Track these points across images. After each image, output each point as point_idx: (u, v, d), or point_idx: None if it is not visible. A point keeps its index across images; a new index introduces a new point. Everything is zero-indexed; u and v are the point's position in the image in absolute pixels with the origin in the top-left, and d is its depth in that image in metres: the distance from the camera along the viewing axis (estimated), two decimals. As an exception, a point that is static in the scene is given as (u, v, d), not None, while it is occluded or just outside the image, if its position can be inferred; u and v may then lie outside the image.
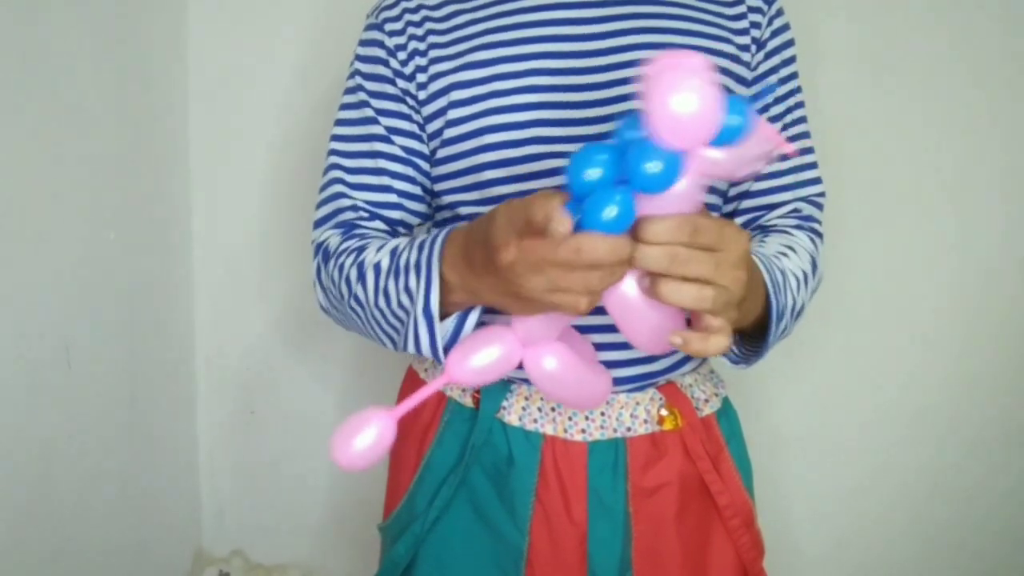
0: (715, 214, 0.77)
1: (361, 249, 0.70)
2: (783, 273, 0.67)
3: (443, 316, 0.63)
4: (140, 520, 1.09)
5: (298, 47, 1.16)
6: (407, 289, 0.63)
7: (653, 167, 0.46)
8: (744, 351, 0.69)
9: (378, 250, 0.68)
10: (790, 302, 0.66)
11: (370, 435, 0.52)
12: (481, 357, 0.55)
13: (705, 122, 0.45)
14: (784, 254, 0.70)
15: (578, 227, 0.48)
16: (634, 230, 0.49)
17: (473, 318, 0.63)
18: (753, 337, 0.69)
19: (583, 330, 0.69)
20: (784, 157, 0.69)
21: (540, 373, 0.57)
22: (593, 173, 0.48)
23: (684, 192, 0.48)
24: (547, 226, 0.48)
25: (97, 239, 0.97)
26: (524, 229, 0.50)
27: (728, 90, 0.74)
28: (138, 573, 1.09)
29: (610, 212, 0.47)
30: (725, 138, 0.47)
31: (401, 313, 0.65)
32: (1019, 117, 1.12)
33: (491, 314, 0.62)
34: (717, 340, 0.52)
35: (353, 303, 0.70)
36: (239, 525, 1.28)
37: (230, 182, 1.19)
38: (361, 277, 0.68)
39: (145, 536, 1.11)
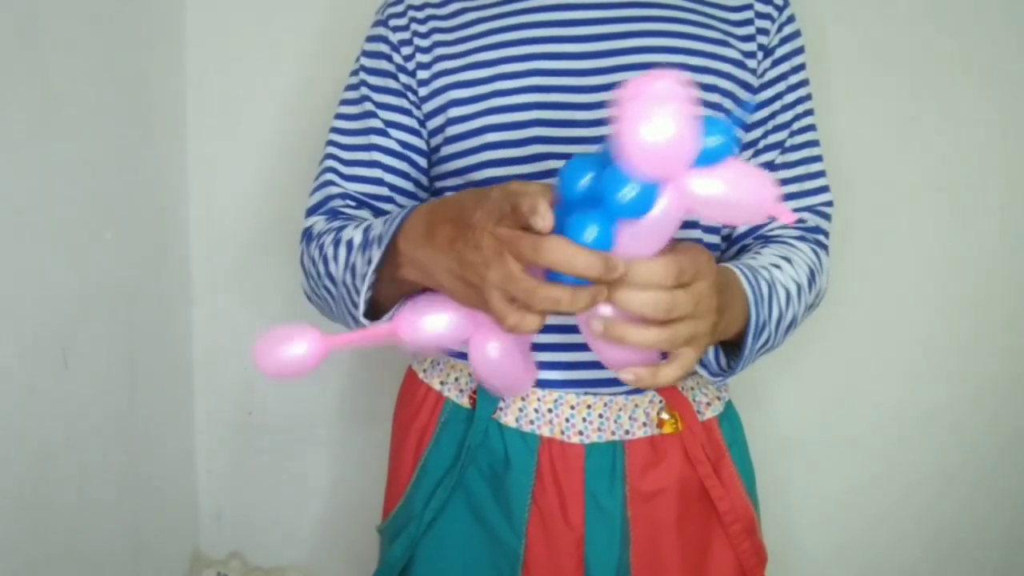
0: (710, 234, 0.76)
1: (341, 228, 0.70)
2: (770, 285, 0.65)
3: (391, 294, 0.63)
4: (137, 522, 1.09)
5: (298, 46, 1.16)
6: (369, 262, 0.62)
7: (626, 195, 0.45)
8: (726, 365, 0.67)
9: (355, 227, 0.68)
10: (775, 314, 0.65)
11: (298, 348, 0.51)
12: (432, 320, 0.54)
13: (677, 151, 0.44)
14: (777, 265, 0.68)
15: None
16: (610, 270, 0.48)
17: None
18: (735, 349, 0.67)
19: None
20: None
21: (481, 356, 0.56)
22: (584, 183, 0.48)
23: (663, 216, 0.47)
24: (529, 217, 0.47)
25: (94, 239, 0.97)
26: (507, 215, 0.49)
27: (721, 106, 0.73)
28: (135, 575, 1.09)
29: (590, 234, 0.46)
30: (705, 160, 0.45)
31: (364, 288, 0.64)
32: (1018, 110, 1.11)
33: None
34: (667, 370, 0.52)
35: (327, 282, 0.69)
36: (237, 527, 1.27)
37: (228, 182, 1.19)
38: (335, 255, 0.68)
39: (142, 538, 1.10)
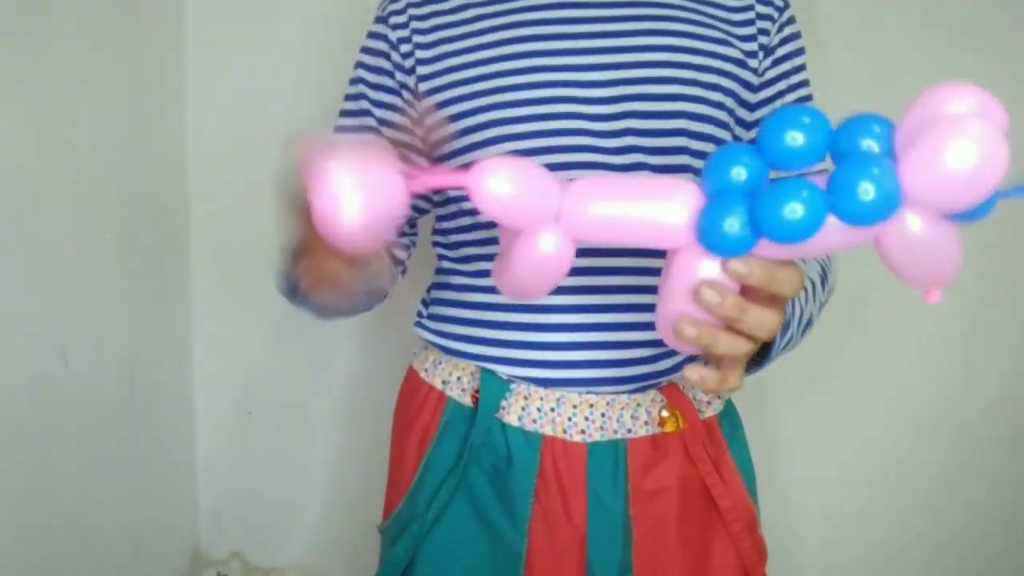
0: None
1: None
2: None
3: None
4: (137, 522, 1.09)
5: (299, 44, 1.16)
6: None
7: (871, 194, 0.37)
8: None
9: None
10: (796, 313, 0.65)
11: (382, 183, 0.40)
12: (506, 186, 0.43)
13: (971, 191, 0.36)
14: None
15: (755, 225, 0.40)
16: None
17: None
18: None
19: (593, 327, 0.70)
20: None
21: (532, 248, 0.46)
22: (799, 139, 0.40)
23: (872, 233, 0.40)
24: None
25: (93, 239, 0.97)
26: None
27: None
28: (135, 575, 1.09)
29: (794, 211, 0.38)
30: (965, 216, 0.39)
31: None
32: (1020, 113, 1.11)
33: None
34: (733, 380, 0.49)
35: None
36: (237, 527, 1.27)
37: (228, 181, 1.18)
38: None
39: (142, 538, 1.10)
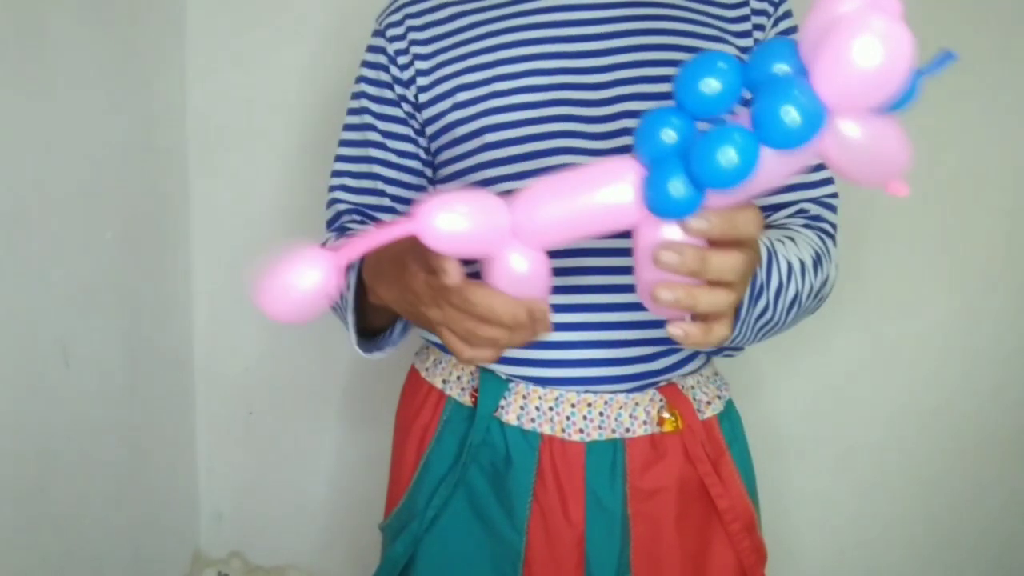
0: None
1: None
2: (770, 252, 0.63)
3: (373, 318, 0.70)
4: (138, 521, 1.09)
5: (301, 46, 1.16)
6: (347, 285, 0.68)
7: (793, 116, 0.37)
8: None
9: None
10: (774, 282, 0.63)
11: (310, 279, 0.42)
12: (454, 220, 0.43)
13: (885, 83, 0.36)
14: (780, 241, 0.67)
15: (689, 170, 0.40)
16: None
17: (398, 332, 0.73)
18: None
19: (590, 326, 0.70)
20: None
21: (503, 270, 0.46)
22: (712, 85, 0.40)
23: (809, 152, 0.39)
24: (439, 275, 0.47)
25: (95, 238, 0.97)
26: (427, 265, 0.49)
27: None
28: (136, 575, 1.09)
29: (728, 155, 0.38)
30: (895, 105, 0.39)
31: (350, 314, 0.70)
32: (1021, 115, 1.11)
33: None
34: (720, 329, 0.48)
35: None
36: (238, 526, 1.28)
37: (229, 180, 1.19)
38: None
39: (143, 538, 1.10)
